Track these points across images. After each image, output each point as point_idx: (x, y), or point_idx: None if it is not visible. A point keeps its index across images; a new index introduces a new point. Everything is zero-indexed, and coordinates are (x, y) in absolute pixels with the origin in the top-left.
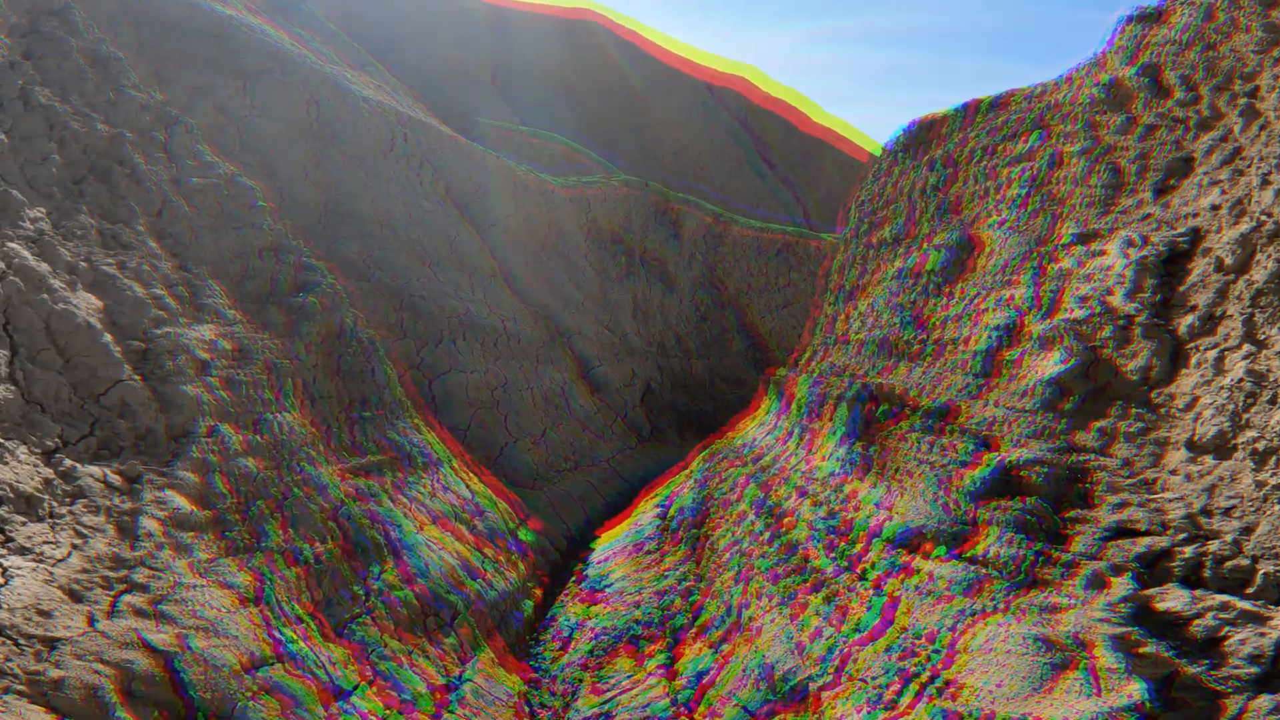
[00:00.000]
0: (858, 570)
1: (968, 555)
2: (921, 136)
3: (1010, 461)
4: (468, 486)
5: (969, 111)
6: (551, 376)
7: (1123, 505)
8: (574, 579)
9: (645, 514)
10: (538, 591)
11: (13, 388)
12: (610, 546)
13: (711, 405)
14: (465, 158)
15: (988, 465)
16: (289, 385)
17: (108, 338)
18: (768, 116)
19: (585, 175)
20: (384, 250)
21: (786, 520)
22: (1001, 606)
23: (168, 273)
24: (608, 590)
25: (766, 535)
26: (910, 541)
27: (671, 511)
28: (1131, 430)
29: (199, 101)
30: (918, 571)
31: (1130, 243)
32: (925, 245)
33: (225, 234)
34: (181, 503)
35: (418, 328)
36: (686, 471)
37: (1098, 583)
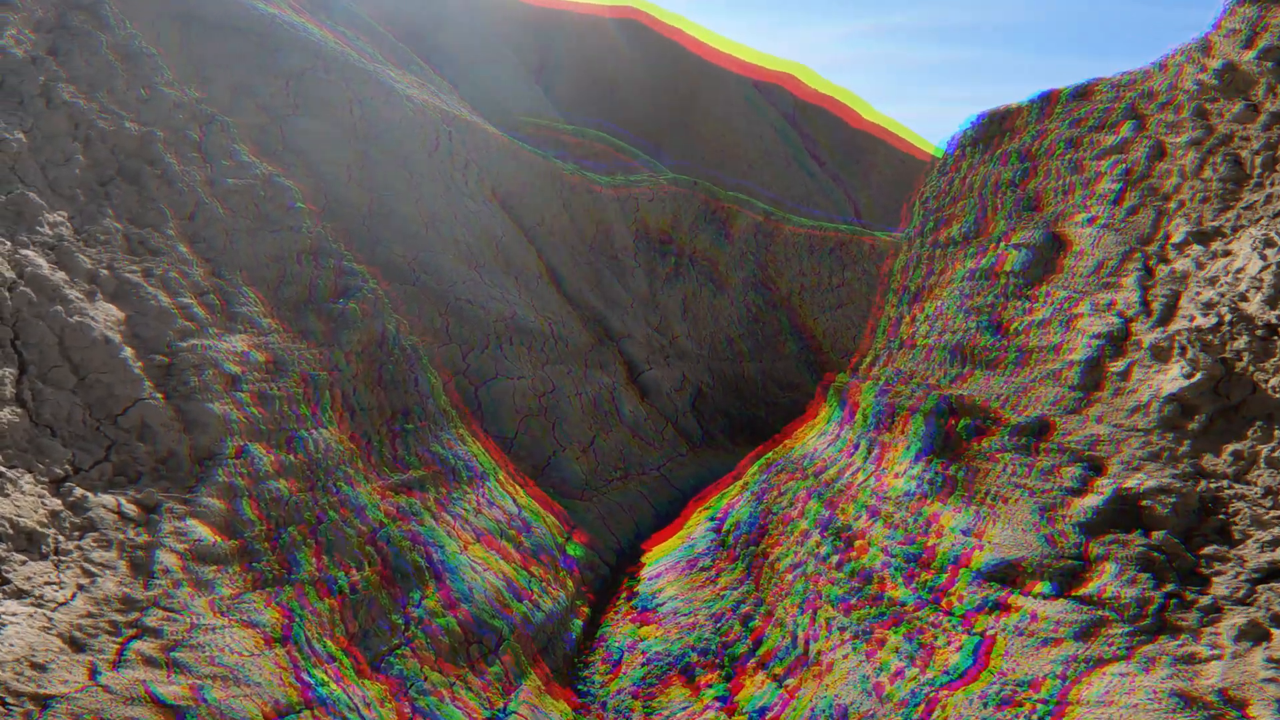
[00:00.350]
0: (944, 605)
1: (1079, 594)
2: (993, 129)
3: (1129, 489)
4: (514, 500)
5: (1047, 102)
6: (600, 381)
7: (1276, 543)
8: (624, 596)
9: (698, 527)
10: (585, 609)
11: (19, 410)
12: (662, 562)
13: (764, 410)
14: (511, 157)
15: (1101, 493)
16: (326, 398)
17: (128, 352)
18: (816, 113)
19: (631, 174)
20: (428, 252)
21: (857, 544)
22: (1124, 654)
23: (198, 280)
24: (660, 610)
25: (835, 559)
26: (1007, 575)
27: (727, 526)
28: (1276, 455)
29: (241, 101)
30: (1017, 610)
31: (1270, 242)
32: (1002, 244)
33: (262, 237)
34: (204, 533)
35: (463, 332)
36: (741, 483)
37: (1254, 633)
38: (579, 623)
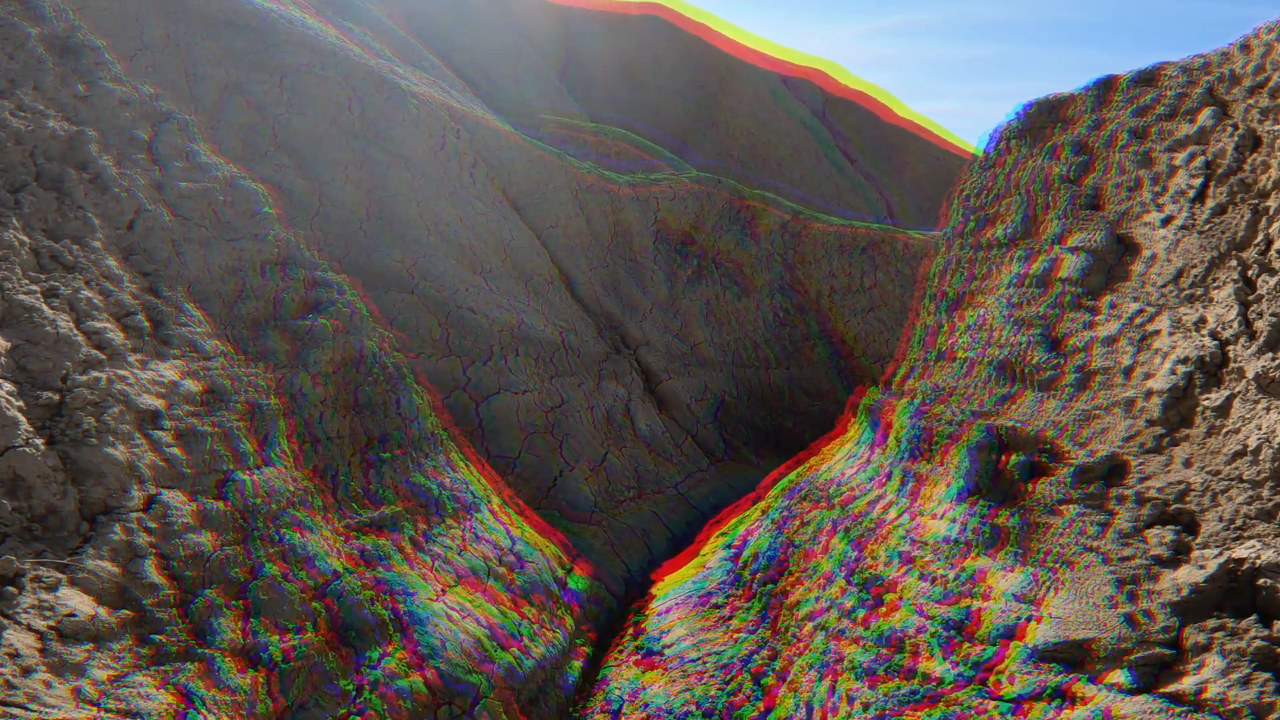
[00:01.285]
0: (991, 687)
1: (1170, 691)
2: (1042, 120)
3: (1243, 563)
4: (508, 531)
5: (1106, 89)
6: (614, 393)
7: None
8: (630, 633)
9: (713, 556)
10: (586, 649)
11: None
12: (673, 595)
13: (792, 420)
14: (523, 156)
15: (1203, 565)
16: (279, 430)
17: (3, 390)
18: (847, 108)
19: (653, 172)
20: (430, 258)
21: (888, 599)
22: None
23: (125, 299)
24: (666, 654)
25: (861, 615)
26: (1072, 657)
27: (744, 557)
28: None
29: (231, 99)
30: (1085, 701)
31: None
32: (1056, 247)
33: (218, 247)
34: (81, 604)
35: (465, 344)
36: (761, 506)
37: None
38: (578, 664)
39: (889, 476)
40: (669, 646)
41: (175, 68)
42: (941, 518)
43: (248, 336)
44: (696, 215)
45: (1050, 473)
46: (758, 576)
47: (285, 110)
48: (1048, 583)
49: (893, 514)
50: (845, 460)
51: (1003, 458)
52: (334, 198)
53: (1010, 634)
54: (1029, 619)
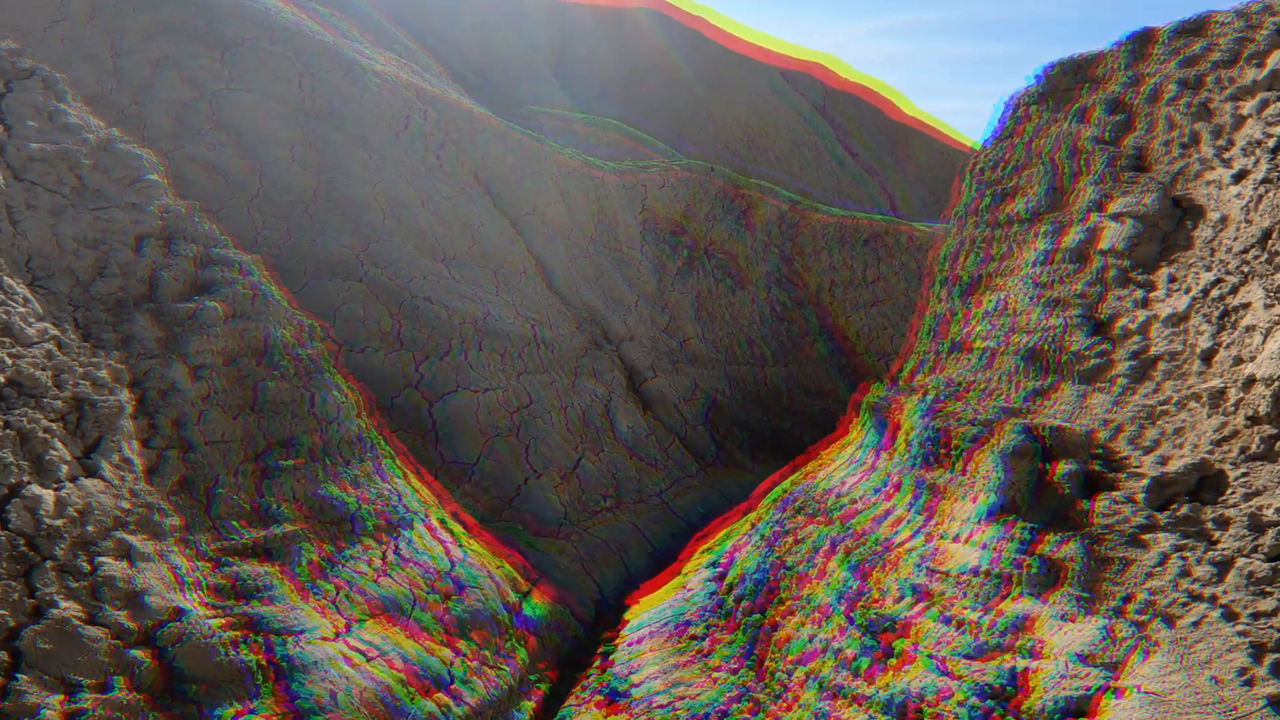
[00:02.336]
0: None
1: None
2: (1065, 82)
3: None
4: (448, 550)
5: (1141, 43)
6: (592, 391)
7: None
8: (596, 667)
9: (696, 575)
10: (542, 688)
11: None
12: (647, 623)
13: (790, 421)
14: (498, 139)
15: None
16: (118, 433)
17: None
18: (848, 102)
19: (641, 160)
20: (384, 243)
21: (899, 646)
22: None
23: None
24: (633, 694)
25: (864, 666)
26: None
27: (730, 578)
28: None
29: (163, 75)
30: None
31: None
32: (1093, 216)
33: (74, 217)
34: None
35: (419, 336)
36: (750, 519)
37: None
38: (530, 705)
39: (898, 487)
40: (637, 686)
41: (99, 41)
42: (968, 542)
43: (104, 320)
44: (688, 204)
45: (1113, 483)
46: (743, 604)
47: (225, 86)
48: (1133, 641)
49: (904, 534)
50: (846, 467)
51: (1039, 464)
52: (277, 179)
53: (1076, 711)
54: (1104, 691)
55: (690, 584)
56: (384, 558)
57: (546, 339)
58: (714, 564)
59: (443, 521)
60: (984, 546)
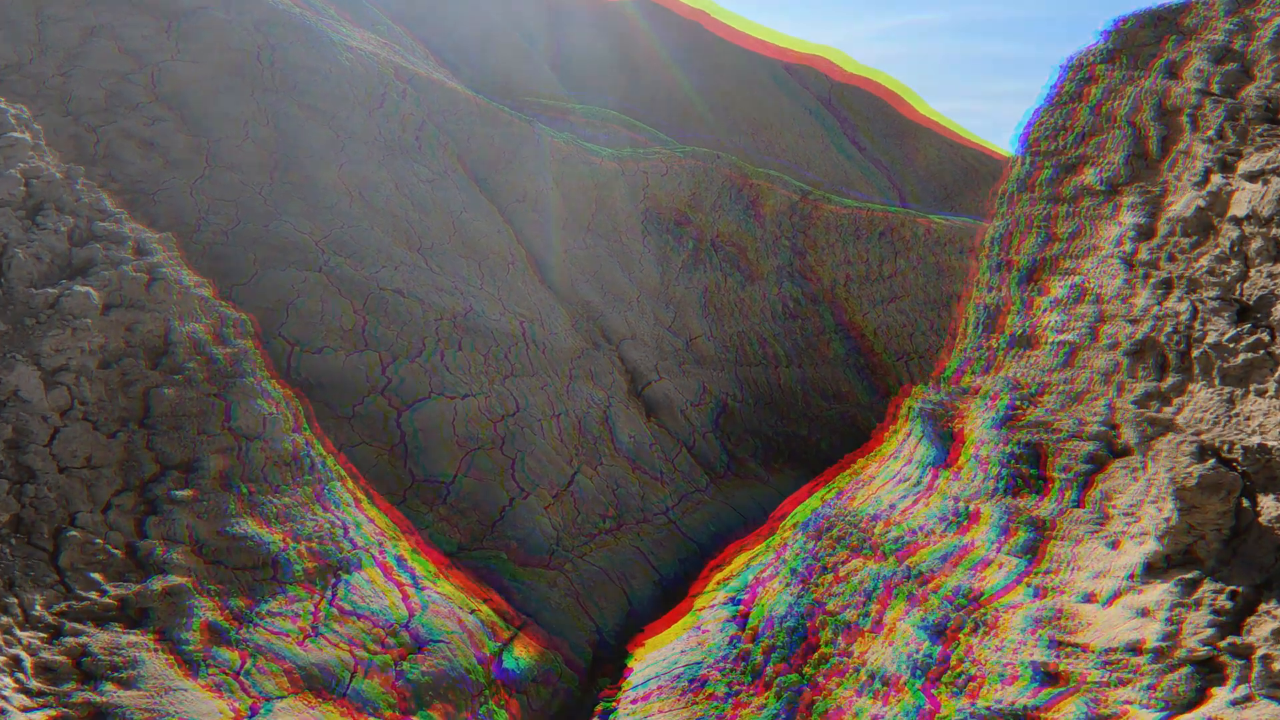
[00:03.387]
0: None
1: None
2: (1142, 36)
3: None
4: (405, 596)
5: None
6: (589, 397)
7: None
8: None
9: (711, 613)
10: None
11: None
12: (655, 675)
13: (806, 427)
14: (486, 121)
15: None
16: None
17: None
18: (854, 95)
19: (642, 148)
20: (349, 229)
21: None
22: None
23: None
24: None
25: None
26: None
27: (754, 619)
28: None
29: (96, 44)
30: None
31: None
32: (1214, 179)
33: None
34: None
35: (387, 334)
36: (773, 544)
37: None
38: None
39: (976, 518)
40: None
41: (23, 5)
42: (1115, 604)
43: None
44: (693, 193)
45: None
46: (773, 657)
47: (170, 57)
48: None
49: (998, 583)
50: (894, 487)
51: (1248, 503)
52: (225, 157)
53: None
54: None
55: (705, 624)
56: (316, 611)
57: (537, 337)
58: (733, 601)
59: (401, 560)
60: (1146, 614)
